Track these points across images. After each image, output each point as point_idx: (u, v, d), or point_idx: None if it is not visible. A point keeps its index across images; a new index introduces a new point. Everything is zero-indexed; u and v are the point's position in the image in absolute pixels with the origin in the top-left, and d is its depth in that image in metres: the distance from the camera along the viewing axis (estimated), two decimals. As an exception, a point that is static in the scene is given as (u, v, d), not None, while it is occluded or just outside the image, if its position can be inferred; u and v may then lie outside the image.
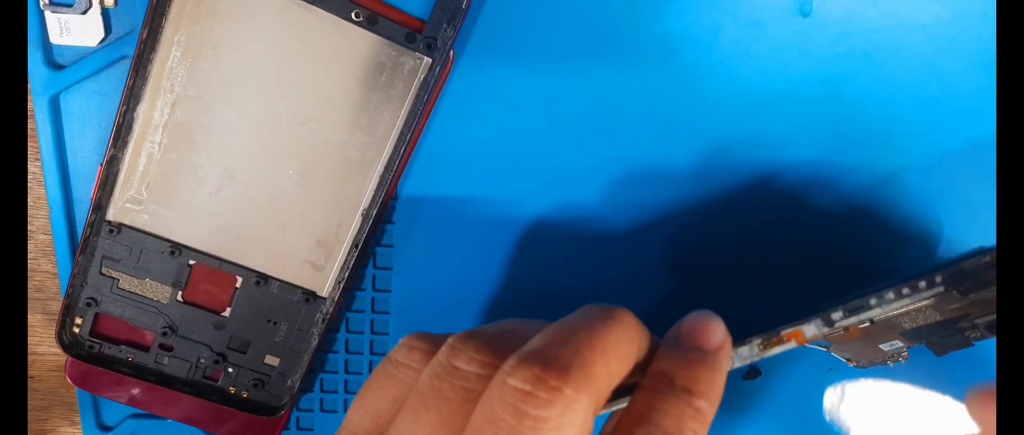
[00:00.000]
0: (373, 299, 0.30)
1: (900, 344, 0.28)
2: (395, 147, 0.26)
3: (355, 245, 0.27)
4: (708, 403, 0.18)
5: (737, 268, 0.29)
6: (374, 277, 0.29)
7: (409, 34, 0.25)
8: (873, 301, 0.22)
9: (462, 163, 0.28)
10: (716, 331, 0.20)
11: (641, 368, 0.19)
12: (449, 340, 0.19)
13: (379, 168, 0.27)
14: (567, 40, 0.27)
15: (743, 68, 0.27)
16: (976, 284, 0.22)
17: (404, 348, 0.20)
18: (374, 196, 0.27)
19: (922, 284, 0.22)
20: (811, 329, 0.22)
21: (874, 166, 0.28)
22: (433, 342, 0.20)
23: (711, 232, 0.29)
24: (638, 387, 0.18)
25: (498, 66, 0.27)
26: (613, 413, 0.20)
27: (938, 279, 0.22)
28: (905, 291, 0.22)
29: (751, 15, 0.26)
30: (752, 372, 0.30)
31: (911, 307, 0.22)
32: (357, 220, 0.27)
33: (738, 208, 0.28)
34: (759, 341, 0.22)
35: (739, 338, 0.22)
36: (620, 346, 0.18)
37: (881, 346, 0.29)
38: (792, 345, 0.22)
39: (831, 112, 0.27)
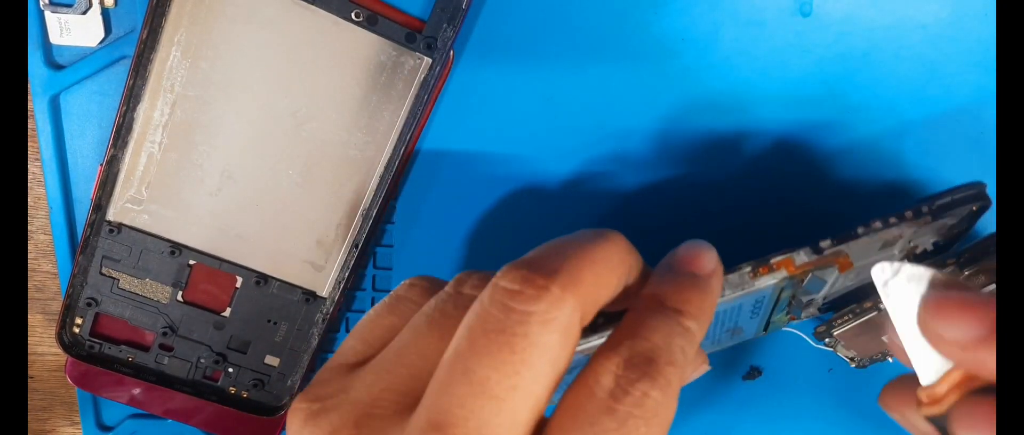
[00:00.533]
0: (373, 299, 0.30)
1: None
2: (395, 147, 0.26)
3: (355, 245, 0.27)
4: (697, 324, 0.18)
5: (735, 262, 0.29)
6: (374, 277, 0.29)
7: (409, 34, 0.25)
8: (860, 230, 0.22)
9: (462, 163, 0.28)
10: (708, 258, 0.20)
11: (632, 294, 0.19)
12: (457, 276, 0.19)
13: (379, 168, 0.27)
14: (567, 40, 0.27)
15: (743, 68, 0.27)
16: (975, 256, 0.22)
17: (405, 285, 0.21)
18: (374, 196, 0.27)
19: (908, 213, 0.22)
20: (801, 256, 0.22)
21: (875, 165, 0.28)
22: (434, 282, 0.21)
23: (711, 231, 0.29)
24: (628, 310, 0.19)
25: (498, 66, 0.27)
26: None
27: (924, 208, 0.22)
28: (892, 220, 0.22)
29: (751, 15, 0.26)
30: (752, 372, 0.30)
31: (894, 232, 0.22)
32: (357, 220, 0.27)
33: (738, 207, 0.28)
34: (749, 269, 0.22)
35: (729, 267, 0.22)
36: (610, 260, 0.18)
37: (883, 337, 0.29)
38: (783, 273, 0.22)
39: (831, 111, 0.27)
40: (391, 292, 0.21)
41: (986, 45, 0.27)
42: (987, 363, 0.17)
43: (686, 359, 0.18)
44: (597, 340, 0.20)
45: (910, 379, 0.20)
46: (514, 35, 0.27)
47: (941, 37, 0.27)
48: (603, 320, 0.19)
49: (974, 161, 0.28)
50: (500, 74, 0.27)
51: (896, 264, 0.19)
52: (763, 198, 0.28)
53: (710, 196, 0.28)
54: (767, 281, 0.22)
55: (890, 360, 0.30)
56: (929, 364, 0.18)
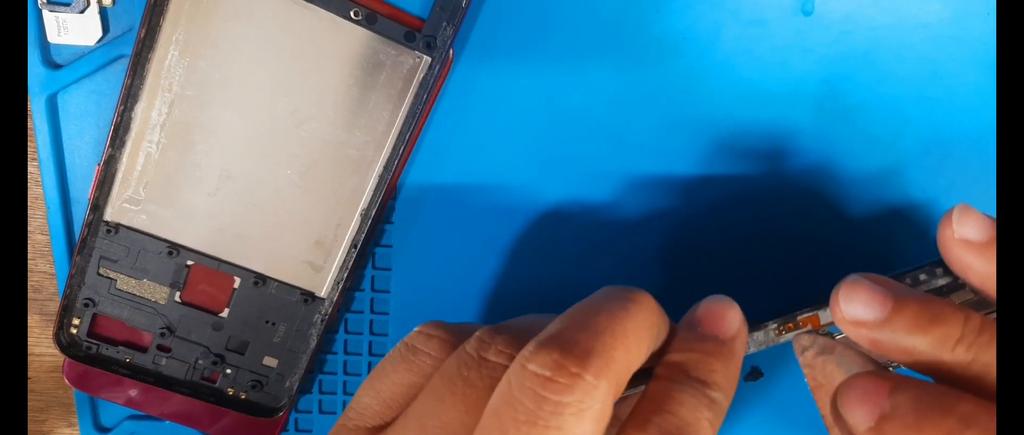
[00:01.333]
0: (372, 300, 0.29)
1: None
2: (394, 147, 0.26)
3: (354, 245, 0.27)
4: (723, 394, 0.18)
5: (738, 266, 0.29)
6: (373, 278, 0.29)
7: (408, 33, 0.25)
8: None
9: (462, 163, 0.28)
10: (732, 319, 0.20)
11: (657, 353, 0.19)
12: (478, 333, 0.19)
13: (378, 168, 0.27)
14: (567, 39, 0.27)
15: (744, 67, 0.27)
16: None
17: (423, 336, 0.20)
18: (373, 196, 0.27)
19: (939, 271, 0.22)
20: (827, 315, 0.22)
21: (875, 165, 0.28)
22: (452, 332, 0.20)
23: (712, 230, 0.29)
24: (654, 375, 0.18)
25: (498, 65, 0.27)
26: (627, 398, 0.20)
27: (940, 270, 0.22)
28: (922, 277, 0.22)
29: (752, 14, 0.26)
30: (754, 373, 0.30)
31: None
32: (356, 220, 0.27)
33: (739, 207, 0.28)
34: (775, 326, 0.22)
35: (753, 321, 0.22)
36: (640, 330, 0.18)
37: None
38: (808, 330, 0.22)
39: (832, 111, 0.27)
40: (406, 340, 0.20)
41: (987, 45, 0.27)
42: None
43: (713, 431, 0.18)
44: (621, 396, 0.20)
45: None
46: (514, 34, 0.27)
47: (942, 37, 0.27)
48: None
49: (974, 161, 0.28)
50: (500, 73, 0.27)
51: (813, 336, 0.21)
52: (763, 196, 0.28)
53: (711, 195, 0.28)
54: (792, 337, 0.22)
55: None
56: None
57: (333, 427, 0.20)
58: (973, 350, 0.17)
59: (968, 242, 0.19)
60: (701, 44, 0.27)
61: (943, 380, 0.18)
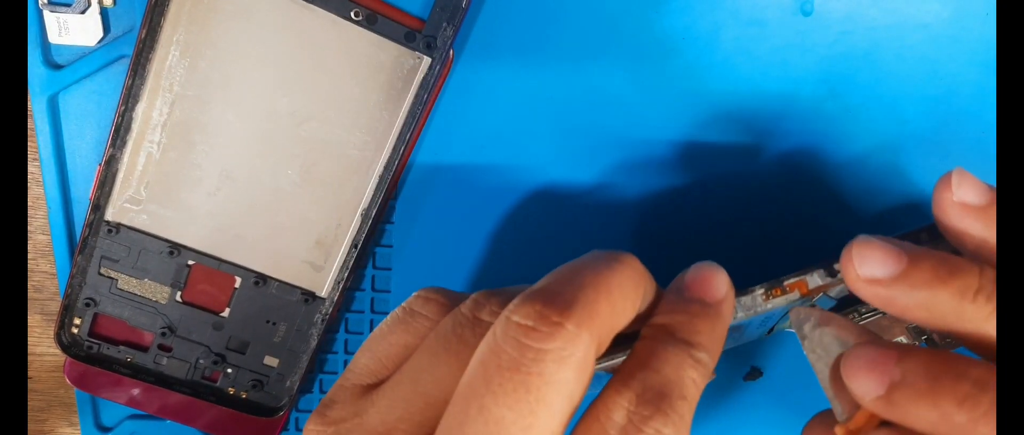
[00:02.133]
0: (372, 300, 0.30)
1: (904, 341, 0.28)
2: (394, 147, 0.26)
3: (354, 245, 0.27)
4: (709, 355, 0.18)
5: (738, 265, 0.29)
6: (373, 277, 0.29)
7: (409, 33, 0.25)
8: None
9: (462, 163, 0.28)
10: (719, 283, 0.20)
11: (643, 318, 0.19)
12: (473, 296, 0.19)
13: (378, 168, 0.27)
14: (567, 39, 0.27)
15: (744, 67, 0.27)
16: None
17: (420, 299, 0.20)
18: (373, 196, 0.27)
19: (924, 235, 0.22)
20: (815, 279, 0.22)
21: (875, 165, 0.28)
22: (449, 296, 0.20)
23: (712, 230, 0.29)
24: (640, 336, 0.19)
25: (498, 65, 0.27)
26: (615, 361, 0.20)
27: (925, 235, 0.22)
28: (924, 237, 0.22)
29: (752, 14, 0.26)
30: (754, 372, 0.30)
31: None
32: (356, 220, 0.27)
33: (739, 206, 0.28)
34: (762, 291, 0.22)
35: (740, 288, 0.22)
36: (624, 288, 0.18)
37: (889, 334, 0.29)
38: (796, 295, 0.22)
39: (832, 111, 0.27)
40: (405, 304, 0.21)
41: (987, 45, 0.27)
42: (889, 411, 0.18)
43: (698, 390, 0.18)
44: (607, 362, 0.20)
45: (830, 414, 0.21)
46: (514, 34, 0.27)
47: (942, 36, 0.27)
48: (615, 342, 0.19)
49: (974, 161, 0.28)
50: (500, 73, 0.27)
51: (809, 309, 0.21)
52: (763, 197, 0.28)
53: (710, 195, 0.28)
54: (779, 302, 0.22)
55: None
56: (843, 403, 0.19)
57: (331, 387, 0.20)
58: (993, 300, 0.17)
59: (966, 205, 0.19)
60: (701, 44, 0.27)
61: (962, 338, 0.18)
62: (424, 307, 0.20)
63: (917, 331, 0.28)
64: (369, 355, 0.20)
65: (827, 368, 0.20)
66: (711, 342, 0.19)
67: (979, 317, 0.18)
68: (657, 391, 0.17)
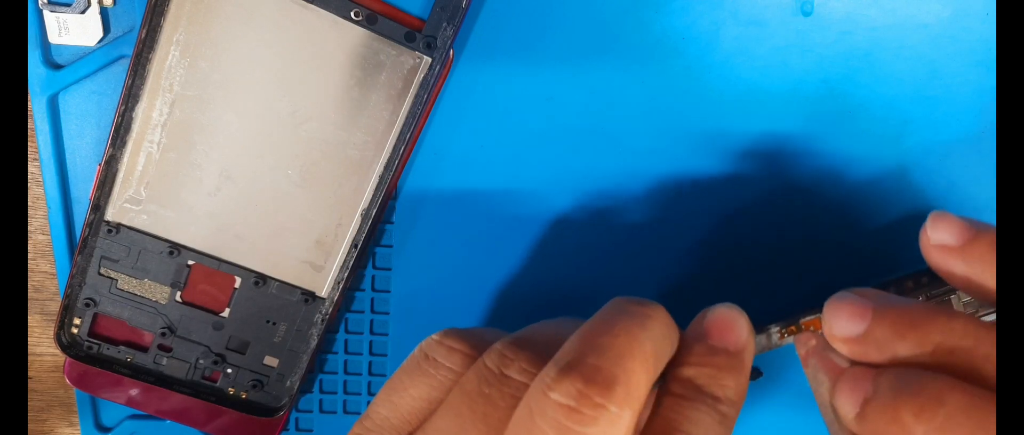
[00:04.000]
0: (372, 300, 0.29)
1: None
2: (395, 147, 0.26)
3: (354, 245, 0.27)
4: (734, 408, 0.18)
5: (738, 265, 0.29)
6: (374, 278, 0.29)
7: (409, 33, 0.25)
8: (892, 290, 0.22)
9: (462, 163, 0.28)
10: (741, 329, 0.20)
11: (668, 363, 0.19)
12: (498, 346, 0.18)
13: (378, 168, 0.27)
14: (568, 39, 0.27)
15: (744, 67, 0.27)
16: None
17: (443, 348, 0.20)
18: (373, 196, 0.27)
19: (924, 279, 0.22)
20: None
21: (875, 165, 0.28)
22: (473, 345, 0.20)
23: (711, 230, 0.29)
24: (666, 391, 0.18)
25: (498, 65, 0.27)
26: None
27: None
28: (925, 280, 0.22)
29: (752, 14, 0.26)
30: (754, 372, 0.30)
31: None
32: (356, 220, 0.27)
33: (738, 207, 0.28)
34: (777, 329, 0.22)
35: (756, 324, 0.22)
36: (659, 349, 0.18)
37: None
38: (811, 333, 0.22)
39: (832, 111, 0.27)
40: (425, 349, 0.20)
41: (987, 44, 0.27)
42: (864, 427, 0.18)
43: None
44: None
45: None
46: (514, 34, 0.27)
47: (942, 36, 0.27)
48: None
49: (974, 161, 0.28)
50: (500, 73, 0.27)
51: (809, 336, 0.21)
52: (763, 197, 0.28)
53: (710, 195, 0.28)
54: (794, 339, 0.22)
55: None
56: (837, 433, 0.19)
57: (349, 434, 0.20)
58: (952, 356, 0.17)
59: (945, 247, 0.20)
60: (701, 44, 0.27)
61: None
62: (447, 357, 0.19)
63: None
64: (389, 406, 0.19)
65: (823, 394, 0.20)
66: (736, 394, 0.18)
67: (943, 367, 0.18)
68: None
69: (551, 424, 0.16)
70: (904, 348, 0.18)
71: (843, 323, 0.19)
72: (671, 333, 0.18)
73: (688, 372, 0.18)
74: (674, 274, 0.29)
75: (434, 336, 0.20)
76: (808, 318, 0.22)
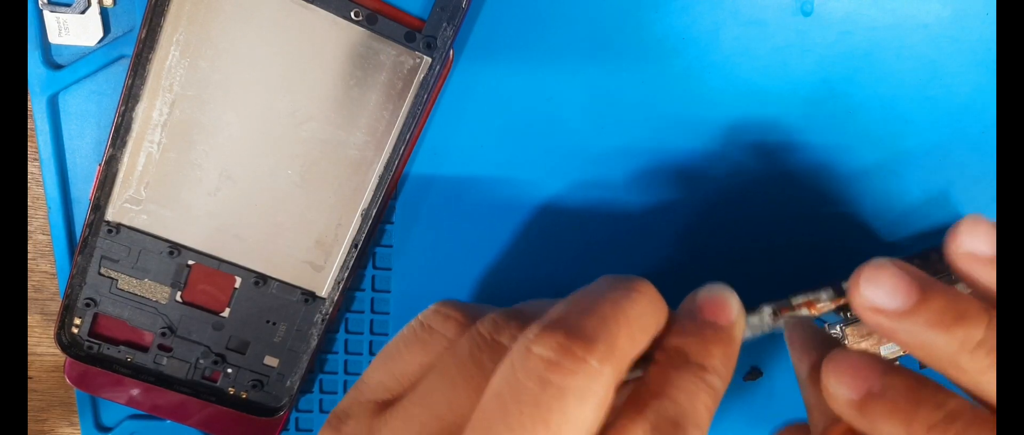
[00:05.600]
0: (372, 300, 0.29)
1: (898, 350, 0.28)
2: (395, 147, 0.26)
3: (354, 245, 0.27)
4: (721, 379, 0.18)
5: (737, 263, 0.29)
6: (374, 278, 0.29)
7: (409, 33, 0.25)
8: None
9: (462, 163, 0.28)
10: (731, 306, 0.20)
11: (655, 339, 0.19)
12: (491, 315, 0.19)
13: (378, 168, 0.27)
14: (568, 39, 0.27)
15: (744, 67, 0.27)
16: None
17: (438, 315, 0.20)
18: (373, 196, 0.27)
19: (933, 255, 0.22)
20: (823, 298, 0.22)
21: (875, 165, 0.28)
22: (467, 313, 0.20)
23: (711, 229, 0.29)
24: (652, 361, 0.18)
25: (498, 65, 0.27)
26: (625, 384, 0.20)
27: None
28: (916, 261, 0.22)
29: (752, 14, 0.26)
30: (753, 372, 0.30)
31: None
32: (356, 220, 0.27)
33: (738, 206, 0.28)
34: (770, 310, 0.22)
35: (748, 306, 0.22)
36: (643, 318, 0.18)
37: (882, 348, 0.29)
38: (803, 313, 0.22)
39: (832, 111, 0.27)
40: (421, 318, 0.20)
41: (987, 45, 0.27)
42: (859, 419, 0.17)
43: (710, 417, 0.18)
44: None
45: (804, 427, 0.21)
46: (514, 34, 0.27)
47: (942, 36, 0.27)
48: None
49: (974, 161, 0.28)
50: (500, 73, 0.27)
51: (796, 317, 0.21)
52: (763, 197, 0.28)
53: (711, 195, 0.28)
54: (786, 319, 0.22)
55: None
56: (818, 415, 0.19)
57: (343, 400, 0.20)
58: (993, 355, 0.17)
59: (976, 256, 0.19)
60: (701, 44, 0.27)
61: (954, 383, 0.18)
62: (442, 325, 0.20)
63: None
64: (384, 371, 0.20)
65: (805, 359, 0.20)
66: (724, 366, 0.18)
67: (974, 370, 0.17)
68: (672, 421, 0.17)
69: (531, 377, 0.16)
70: (943, 341, 0.17)
71: (883, 294, 0.18)
72: (658, 308, 0.19)
73: (675, 342, 0.19)
74: (675, 273, 0.29)
75: (431, 306, 0.20)
76: (800, 299, 0.22)
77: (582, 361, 0.16)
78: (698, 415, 0.17)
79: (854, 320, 0.28)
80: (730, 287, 0.20)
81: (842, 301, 0.22)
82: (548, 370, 0.16)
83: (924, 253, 0.22)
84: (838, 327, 0.29)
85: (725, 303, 0.19)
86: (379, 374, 0.20)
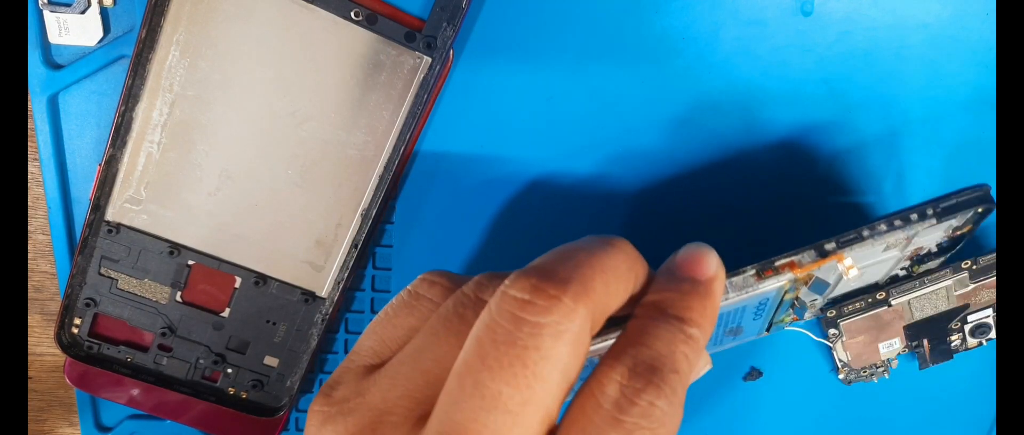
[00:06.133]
0: (372, 300, 0.29)
1: (898, 345, 0.28)
2: (394, 147, 0.26)
3: (354, 245, 0.27)
4: (700, 331, 0.18)
5: (739, 263, 0.29)
6: (373, 278, 0.29)
7: (409, 33, 0.25)
8: (865, 232, 0.22)
9: (462, 163, 0.28)
10: (709, 262, 0.20)
11: (636, 300, 0.19)
12: (477, 277, 0.19)
13: (378, 168, 0.27)
14: (567, 39, 0.27)
15: (744, 67, 0.27)
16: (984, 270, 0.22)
17: (425, 283, 0.20)
18: (373, 196, 0.27)
19: (913, 216, 0.22)
20: (805, 259, 0.22)
21: (875, 165, 0.28)
22: (453, 280, 0.20)
23: (712, 229, 0.29)
24: (632, 315, 0.19)
25: (498, 65, 0.27)
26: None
27: (929, 211, 0.22)
28: (897, 222, 0.22)
29: (752, 14, 0.26)
30: (753, 373, 0.30)
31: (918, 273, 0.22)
32: (356, 220, 0.27)
33: (740, 206, 0.28)
34: (753, 271, 0.22)
35: (732, 269, 0.22)
36: (619, 268, 0.18)
37: (880, 345, 0.29)
38: (787, 275, 0.22)
39: (832, 111, 0.27)
40: (409, 287, 0.21)
41: (987, 45, 0.27)
42: None
43: (690, 366, 0.18)
44: (602, 344, 0.20)
45: None
46: (514, 34, 0.27)
47: (942, 36, 0.27)
48: (607, 325, 0.19)
49: (974, 161, 0.28)
50: (500, 73, 0.27)
51: None
52: (764, 197, 0.28)
53: (711, 195, 0.28)
54: (771, 284, 0.22)
55: (874, 380, 0.30)
56: None
57: (336, 369, 0.20)
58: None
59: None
60: (701, 44, 0.27)
61: None
62: (428, 290, 0.20)
63: (914, 331, 0.28)
64: (374, 337, 0.20)
65: None
66: (702, 318, 0.19)
67: None
68: (649, 365, 0.17)
69: (507, 317, 0.16)
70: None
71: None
72: (635, 263, 0.19)
73: (653, 297, 0.19)
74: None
75: (420, 276, 0.21)
76: (783, 260, 0.22)
77: (555, 299, 0.16)
78: (676, 360, 0.17)
79: (849, 314, 0.28)
80: (708, 245, 0.20)
81: (823, 262, 0.22)
82: (522, 309, 0.16)
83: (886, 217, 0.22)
84: (833, 330, 0.29)
85: (703, 258, 0.20)
86: (368, 341, 0.20)
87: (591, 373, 0.18)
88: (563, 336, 0.16)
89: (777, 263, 0.22)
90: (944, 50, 0.27)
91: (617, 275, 0.18)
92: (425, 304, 0.20)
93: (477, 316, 0.18)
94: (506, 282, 0.17)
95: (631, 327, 0.18)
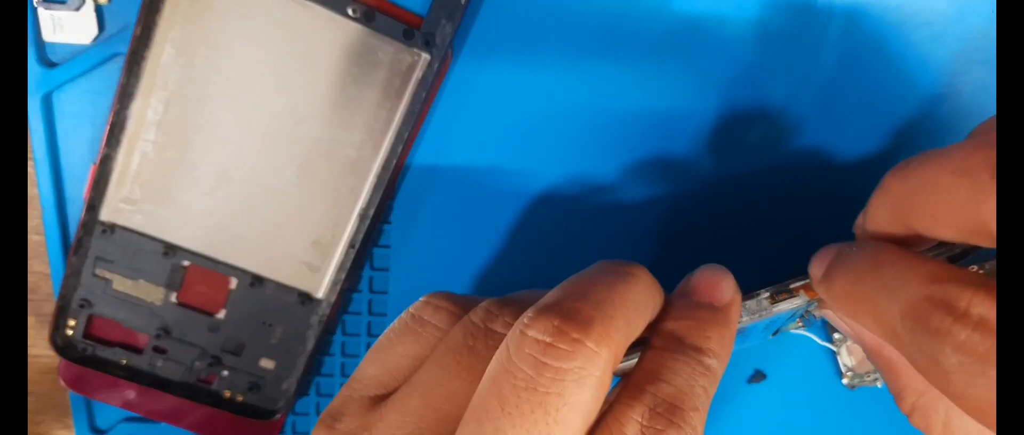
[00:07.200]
0: (370, 301, 0.29)
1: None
2: (392, 146, 0.26)
3: (352, 246, 0.27)
4: (718, 362, 0.18)
5: (737, 263, 0.29)
6: (371, 279, 0.29)
7: (407, 30, 0.25)
8: None
9: (461, 162, 0.28)
10: (726, 287, 0.19)
11: (651, 323, 0.19)
12: (484, 304, 0.19)
13: (376, 167, 0.26)
14: (568, 36, 0.26)
15: (744, 67, 0.27)
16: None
17: (429, 307, 0.20)
18: (371, 196, 0.27)
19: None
20: None
21: (876, 165, 0.28)
22: (459, 303, 0.20)
23: (712, 229, 0.28)
24: (649, 345, 0.18)
25: (498, 63, 0.27)
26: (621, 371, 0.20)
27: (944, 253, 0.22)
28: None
29: (752, 14, 0.26)
30: (757, 375, 0.30)
31: None
32: (354, 220, 0.27)
33: (738, 205, 0.28)
34: (768, 294, 0.22)
35: (746, 292, 0.22)
36: (639, 302, 0.18)
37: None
38: (802, 298, 0.22)
39: (832, 111, 0.27)
40: (412, 310, 0.20)
41: (989, 43, 0.27)
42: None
43: (708, 399, 0.17)
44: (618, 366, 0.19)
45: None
46: (515, 31, 0.26)
47: (945, 34, 0.27)
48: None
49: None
50: (500, 71, 0.27)
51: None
52: (765, 194, 0.28)
53: (712, 193, 0.28)
54: (784, 306, 0.22)
55: (878, 385, 0.30)
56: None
57: (337, 396, 0.19)
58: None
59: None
60: (701, 42, 0.27)
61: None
62: (433, 316, 0.19)
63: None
64: (377, 365, 0.19)
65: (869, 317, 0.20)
66: (721, 348, 0.18)
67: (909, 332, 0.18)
68: (669, 404, 0.17)
69: (527, 361, 0.16)
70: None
71: (815, 267, 0.20)
72: (653, 292, 0.18)
73: (670, 326, 0.18)
74: (678, 272, 0.29)
75: (421, 298, 0.20)
76: (797, 284, 0.22)
77: (578, 343, 0.16)
78: (696, 397, 0.17)
79: None
80: (724, 268, 0.20)
81: None
82: (544, 353, 0.16)
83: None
84: (837, 335, 0.28)
85: (720, 283, 0.19)
86: (371, 368, 0.19)
87: (608, 411, 0.17)
88: (586, 381, 0.16)
89: (792, 286, 0.22)
90: (946, 48, 0.27)
91: (637, 309, 0.17)
92: (430, 330, 0.19)
93: (488, 348, 0.17)
94: (523, 320, 0.16)
95: (648, 360, 0.18)
